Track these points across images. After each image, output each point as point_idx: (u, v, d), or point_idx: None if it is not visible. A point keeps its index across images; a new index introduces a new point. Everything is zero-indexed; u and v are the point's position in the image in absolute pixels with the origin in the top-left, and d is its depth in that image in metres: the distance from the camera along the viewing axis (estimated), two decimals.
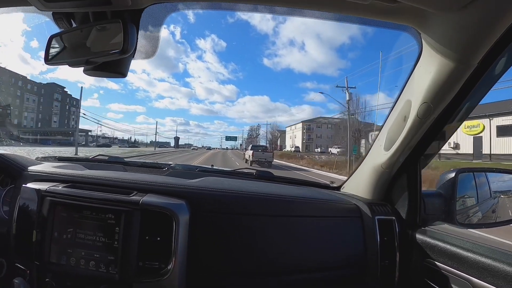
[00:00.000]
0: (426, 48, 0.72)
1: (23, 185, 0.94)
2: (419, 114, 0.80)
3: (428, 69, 0.73)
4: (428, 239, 0.88)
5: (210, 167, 1.45)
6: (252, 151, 17.70)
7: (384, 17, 0.66)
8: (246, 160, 18.46)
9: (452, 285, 0.79)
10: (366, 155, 1.09)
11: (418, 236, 0.92)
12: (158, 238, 0.81)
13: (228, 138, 67.21)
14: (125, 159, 1.45)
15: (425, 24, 0.65)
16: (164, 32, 0.77)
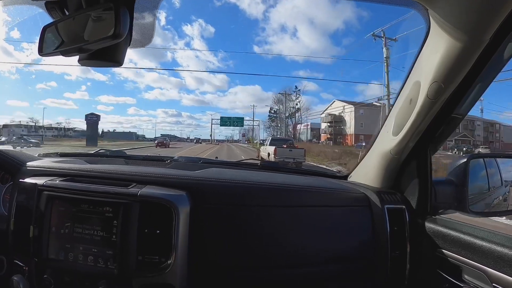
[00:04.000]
0: (434, 24, 0.69)
1: (20, 180, 0.93)
2: (429, 94, 0.76)
3: (437, 47, 0.70)
4: (440, 228, 0.85)
5: (214, 159, 1.46)
6: (274, 148, 12.39)
7: None
8: (262, 159, 12.78)
9: (466, 276, 0.76)
10: (373, 142, 1.05)
11: (429, 225, 0.88)
12: (158, 231, 0.79)
13: (225, 122, 36.94)
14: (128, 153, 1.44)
15: None
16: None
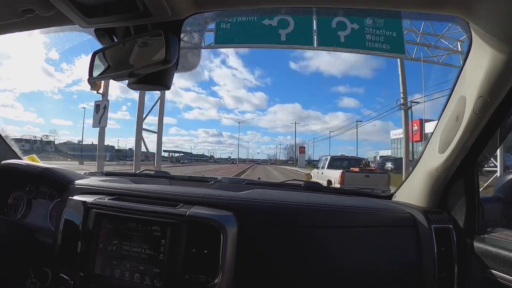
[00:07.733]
0: (476, 37, 0.67)
1: (70, 197, 0.97)
2: (475, 109, 0.74)
3: (481, 61, 0.68)
4: (489, 248, 0.81)
5: (257, 179, 1.47)
6: (340, 172, 8.05)
7: (428, 8, 0.62)
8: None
9: None
10: (419, 160, 1.03)
11: (478, 244, 0.84)
12: (205, 251, 0.80)
13: None
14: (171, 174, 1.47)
15: (472, 12, 0.60)
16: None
